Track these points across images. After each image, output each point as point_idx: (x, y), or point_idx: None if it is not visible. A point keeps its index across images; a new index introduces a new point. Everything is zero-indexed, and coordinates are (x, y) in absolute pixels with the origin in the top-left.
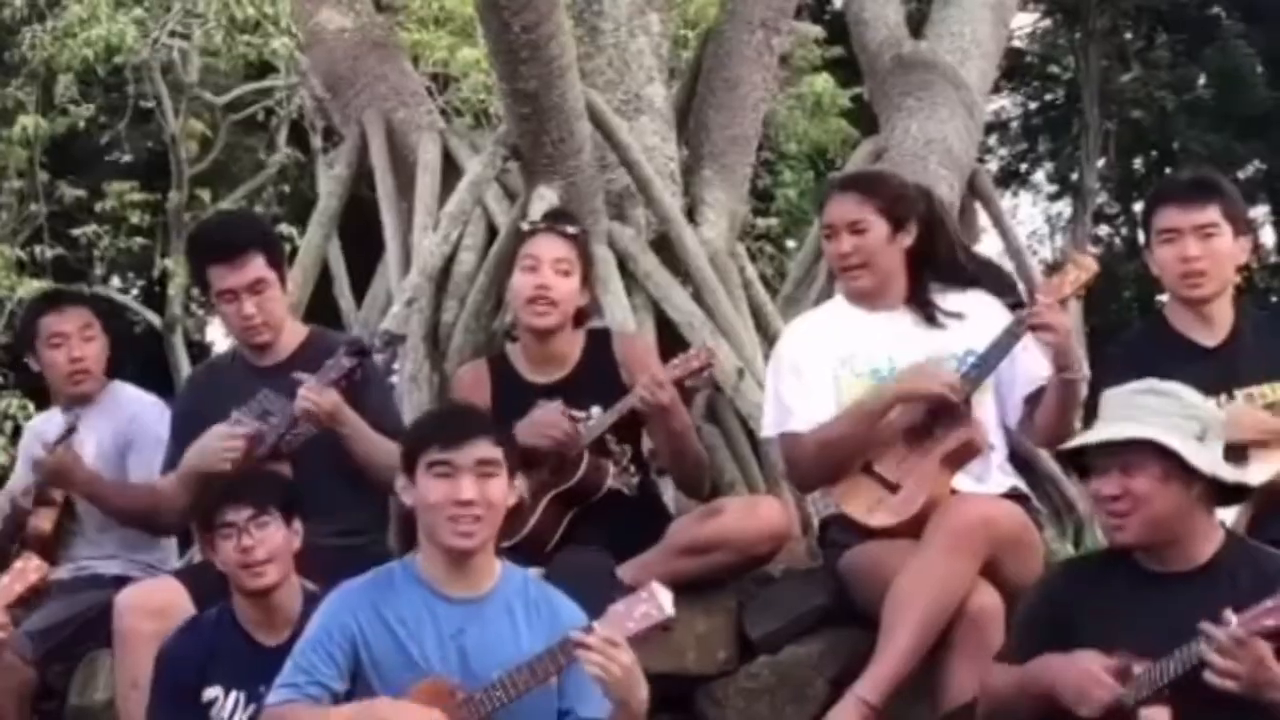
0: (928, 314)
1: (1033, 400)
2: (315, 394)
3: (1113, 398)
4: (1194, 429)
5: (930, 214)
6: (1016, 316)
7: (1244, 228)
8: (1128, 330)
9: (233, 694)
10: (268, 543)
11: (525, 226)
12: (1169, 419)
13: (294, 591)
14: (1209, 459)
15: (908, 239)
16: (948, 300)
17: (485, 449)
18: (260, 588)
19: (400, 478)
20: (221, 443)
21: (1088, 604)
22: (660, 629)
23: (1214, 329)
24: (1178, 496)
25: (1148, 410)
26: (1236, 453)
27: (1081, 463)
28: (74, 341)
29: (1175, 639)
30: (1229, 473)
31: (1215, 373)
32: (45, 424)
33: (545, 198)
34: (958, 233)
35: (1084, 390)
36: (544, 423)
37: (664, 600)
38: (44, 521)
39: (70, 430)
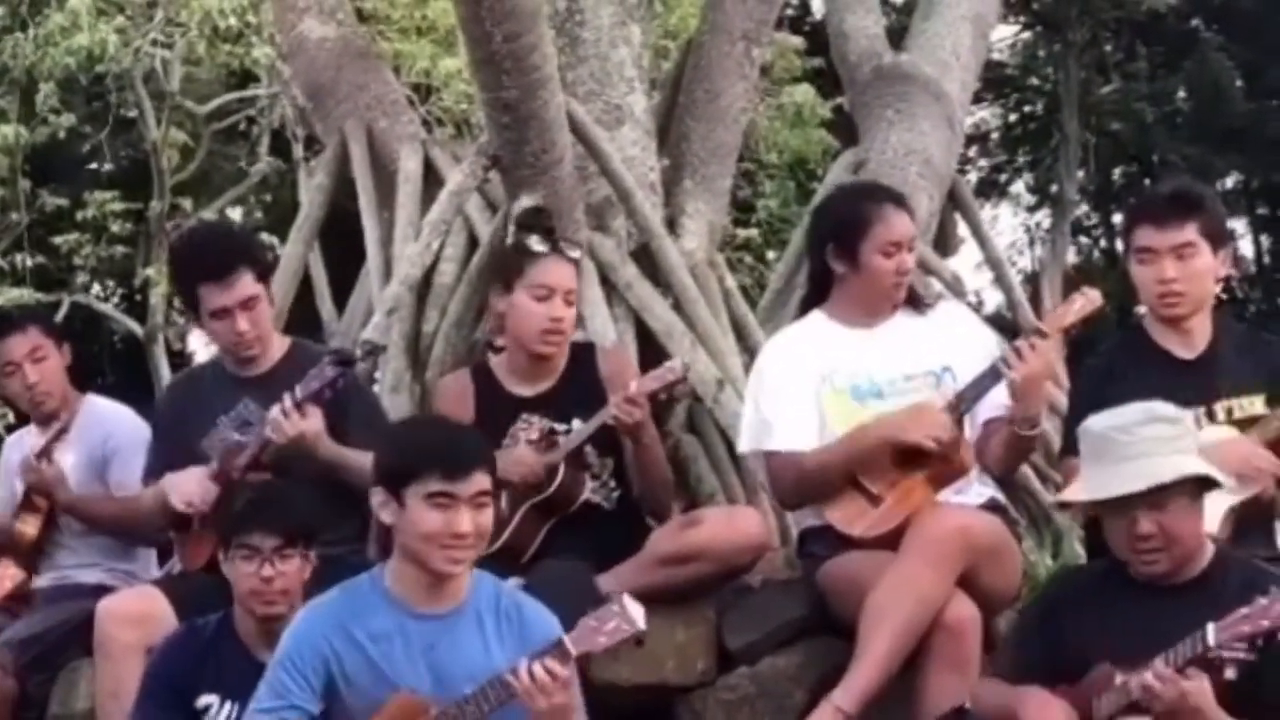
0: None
1: (991, 425)
2: (284, 423)
3: (1108, 433)
4: (1194, 443)
5: None
6: (1011, 345)
7: (1223, 241)
8: (1106, 342)
9: (228, 705)
10: (288, 576)
11: (534, 246)
12: (1177, 443)
13: (295, 612)
14: (1213, 469)
15: None
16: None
17: (483, 480)
18: (269, 616)
19: (379, 493)
20: (198, 488)
21: (1082, 614)
22: (632, 642)
23: (1192, 342)
24: (1199, 517)
25: (1160, 441)
26: None
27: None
28: (25, 367)
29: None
30: (1221, 476)
31: (1193, 385)
32: (21, 439)
33: (527, 207)
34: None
35: (1037, 444)
36: (519, 461)
37: (635, 614)
38: (29, 527)
39: (58, 434)
